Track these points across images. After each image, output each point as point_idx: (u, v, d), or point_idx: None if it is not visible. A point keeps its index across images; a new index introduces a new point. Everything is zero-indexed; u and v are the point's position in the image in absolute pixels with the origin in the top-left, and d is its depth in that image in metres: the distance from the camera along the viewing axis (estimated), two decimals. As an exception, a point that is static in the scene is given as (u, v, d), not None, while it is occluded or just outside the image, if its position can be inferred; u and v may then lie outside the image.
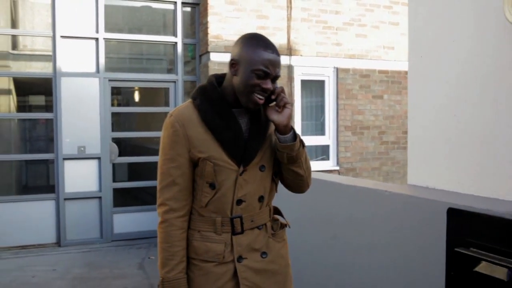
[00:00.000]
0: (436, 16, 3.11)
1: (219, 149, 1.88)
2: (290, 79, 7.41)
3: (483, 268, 2.12)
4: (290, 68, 7.39)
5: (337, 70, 7.73)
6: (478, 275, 2.14)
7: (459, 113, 2.94)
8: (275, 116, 1.86)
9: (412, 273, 2.72)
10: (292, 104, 1.94)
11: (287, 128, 1.87)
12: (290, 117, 1.85)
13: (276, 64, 1.86)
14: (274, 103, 1.89)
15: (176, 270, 1.88)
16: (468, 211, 2.31)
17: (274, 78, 1.88)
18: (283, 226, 2.10)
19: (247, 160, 1.91)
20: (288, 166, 1.94)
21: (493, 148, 2.71)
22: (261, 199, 1.97)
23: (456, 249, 2.28)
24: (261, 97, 1.86)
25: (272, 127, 1.98)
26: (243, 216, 1.92)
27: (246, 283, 1.90)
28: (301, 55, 7.47)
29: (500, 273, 2.05)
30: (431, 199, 2.60)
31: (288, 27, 7.33)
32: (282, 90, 1.89)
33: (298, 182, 2.02)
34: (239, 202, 1.91)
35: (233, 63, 1.89)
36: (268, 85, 1.85)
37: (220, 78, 2.00)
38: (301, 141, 1.92)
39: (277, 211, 2.13)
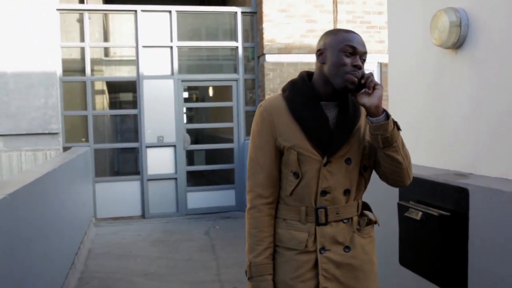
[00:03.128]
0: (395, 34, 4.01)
1: (304, 139, 1.88)
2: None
3: (409, 213, 3.12)
4: (336, 65, 8.35)
5: (381, 65, 8.57)
6: (407, 218, 3.13)
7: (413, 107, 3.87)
8: (365, 99, 1.81)
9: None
10: (381, 86, 1.85)
11: (379, 110, 1.80)
12: (381, 98, 1.81)
13: (361, 42, 1.86)
14: (364, 89, 1.84)
15: (264, 255, 1.90)
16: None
17: (362, 57, 1.86)
18: (371, 222, 2.04)
19: (332, 151, 1.87)
20: (384, 151, 1.85)
21: (425, 134, 3.62)
22: (346, 192, 1.93)
23: (398, 202, 3.28)
24: (354, 75, 1.82)
25: (361, 121, 1.96)
26: (328, 207, 1.89)
27: (325, 274, 1.88)
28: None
29: (417, 215, 3.04)
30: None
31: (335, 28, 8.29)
32: (371, 74, 1.84)
33: (398, 172, 1.92)
34: (324, 193, 1.89)
35: (320, 53, 1.92)
36: (358, 61, 1.83)
37: (311, 74, 2.01)
38: (395, 123, 1.85)
39: (366, 207, 2.07)
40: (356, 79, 1.82)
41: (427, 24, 3.33)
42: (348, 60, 1.83)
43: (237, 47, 8.44)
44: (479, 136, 3.02)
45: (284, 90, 2.00)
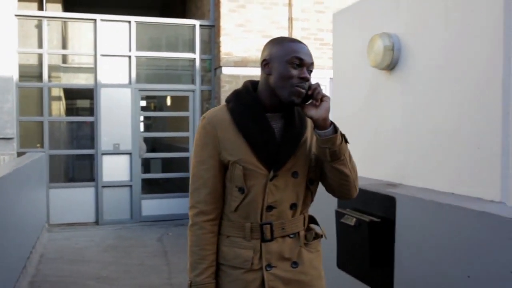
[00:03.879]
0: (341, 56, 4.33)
1: (250, 152, 1.81)
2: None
3: (345, 219, 3.39)
4: (290, 79, 8.69)
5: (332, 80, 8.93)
6: (343, 224, 3.41)
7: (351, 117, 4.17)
8: (313, 112, 1.76)
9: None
10: (329, 98, 1.80)
11: (327, 122, 1.76)
12: (328, 110, 1.77)
13: (308, 53, 1.82)
14: (311, 100, 1.80)
15: (205, 274, 1.83)
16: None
17: (308, 68, 1.81)
18: (317, 236, 2.00)
19: (279, 165, 1.82)
20: (332, 164, 1.81)
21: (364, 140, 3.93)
22: (293, 206, 1.87)
23: (336, 209, 3.55)
24: (301, 87, 1.78)
25: (308, 133, 1.92)
26: (274, 223, 1.84)
27: None
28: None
29: (352, 221, 3.32)
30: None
31: (289, 44, 8.63)
32: (318, 85, 1.80)
33: (345, 184, 1.88)
34: (270, 208, 1.83)
35: (265, 64, 1.85)
36: (305, 74, 1.78)
37: (256, 84, 1.95)
38: (343, 135, 1.81)
39: (313, 220, 2.03)
40: (303, 92, 1.78)
41: (365, 47, 3.64)
42: (295, 72, 1.78)
43: (194, 58, 8.66)
44: (408, 150, 3.33)
45: (228, 101, 1.92)
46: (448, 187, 2.93)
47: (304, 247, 1.91)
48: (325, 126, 1.77)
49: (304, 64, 1.80)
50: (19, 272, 5.01)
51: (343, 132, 1.86)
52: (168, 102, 10.67)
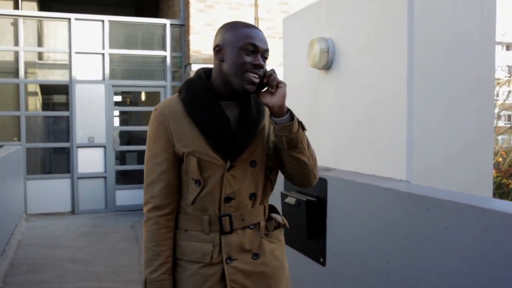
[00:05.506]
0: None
1: (204, 143, 1.75)
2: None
3: (287, 199, 3.90)
4: (257, 75, 9.19)
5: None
6: (286, 204, 3.91)
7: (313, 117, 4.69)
8: (268, 99, 1.71)
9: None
10: (285, 84, 1.74)
11: (283, 110, 1.71)
12: (284, 96, 1.71)
13: (263, 38, 1.76)
14: (267, 87, 1.75)
15: (160, 271, 1.77)
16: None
17: (263, 55, 1.75)
18: (279, 226, 1.96)
19: (235, 155, 1.76)
20: (289, 152, 1.76)
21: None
22: (252, 196, 1.83)
23: (281, 191, 4.06)
24: (255, 75, 1.72)
25: (265, 120, 1.87)
26: (233, 214, 1.79)
27: (234, 285, 1.77)
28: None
29: (292, 201, 3.83)
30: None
31: (255, 43, 9.13)
32: (273, 71, 1.74)
33: (304, 173, 1.84)
34: (228, 199, 1.78)
35: (218, 50, 1.77)
36: (259, 60, 1.72)
37: (209, 71, 1.87)
38: (300, 123, 1.76)
39: (273, 209, 1.99)
40: (256, 80, 1.72)
41: (305, 49, 4.16)
42: (248, 59, 1.71)
43: (165, 56, 9.10)
44: (339, 139, 3.85)
45: (180, 91, 1.84)
46: (370, 170, 3.47)
47: (265, 238, 1.86)
48: (281, 113, 1.71)
49: (258, 50, 1.73)
50: (-1, 255, 5.43)
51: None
52: (143, 97, 11.08)
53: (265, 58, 1.77)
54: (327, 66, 3.96)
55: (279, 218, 2.00)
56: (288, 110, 1.75)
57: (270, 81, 1.73)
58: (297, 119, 1.76)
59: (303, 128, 1.80)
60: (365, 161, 3.54)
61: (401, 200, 2.74)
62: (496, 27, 3.36)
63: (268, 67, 1.79)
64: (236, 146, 1.77)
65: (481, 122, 3.36)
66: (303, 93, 4.42)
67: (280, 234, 1.97)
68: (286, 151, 1.78)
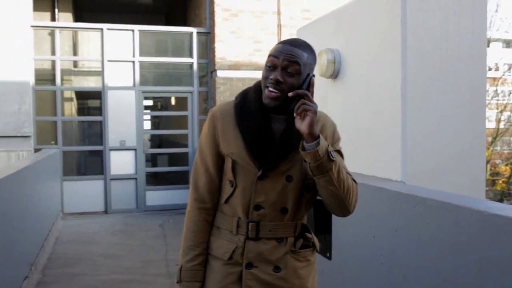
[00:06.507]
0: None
1: (243, 148, 1.80)
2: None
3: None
4: (280, 80, 9.52)
5: (320, 81, 9.75)
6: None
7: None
8: (298, 123, 1.67)
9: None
10: (314, 111, 1.66)
11: (310, 137, 1.65)
12: (311, 125, 1.64)
13: (284, 52, 1.72)
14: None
15: (196, 261, 1.86)
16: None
17: (285, 69, 1.71)
18: (308, 246, 1.90)
19: (270, 165, 1.78)
20: (317, 180, 1.72)
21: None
22: (284, 210, 1.81)
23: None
24: (272, 89, 1.72)
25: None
26: (261, 222, 1.81)
27: None
28: (289, 70, 9.55)
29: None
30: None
31: (278, 49, 9.46)
32: (305, 94, 1.67)
33: (334, 202, 1.78)
34: (258, 207, 1.81)
35: None
36: (275, 75, 1.70)
37: None
38: (329, 152, 1.68)
39: (307, 229, 1.92)
40: (274, 95, 1.73)
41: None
42: (267, 74, 1.75)
43: (192, 63, 9.53)
44: (344, 143, 4.15)
45: (236, 97, 1.92)
46: (371, 171, 3.77)
47: (290, 254, 1.84)
48: (309, 140, 1.66)
49: (277, 65, 1.73)
50: (38, 250, 5.90)
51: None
52: (173, 102, 11.56)
53: (289, 73, 1.72)
54: (334, 75, 4.27)
55: (311, 238, 1.93)
56: (317, 137, 1.67)
57: (296, 108, 1.67)
58: (327, 148, 1.68)
59: (331, 158, 1.68)
60: (366, 164, 3.84)
61: (392, 198, 3.04)
62: (486, 39, 3.63)
63: None
64: (273, 158, 1.79)
65: (473, 128, 3.63)
66: (315, 99, 4.74)
67: (309, 254, 1.91)
68: (315, 178, 1.73)
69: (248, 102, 1.86)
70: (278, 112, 1.81)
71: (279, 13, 9.43)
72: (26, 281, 4.85)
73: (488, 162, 10.38)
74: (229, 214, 1.87)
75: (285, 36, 9.46)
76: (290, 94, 1.68)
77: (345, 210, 1.81)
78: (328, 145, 1.70)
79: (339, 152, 1.91)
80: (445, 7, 3.47)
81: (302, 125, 1.66)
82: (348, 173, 1.81)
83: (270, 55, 1.76)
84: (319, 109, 1.79)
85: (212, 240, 1.90)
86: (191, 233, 1.89)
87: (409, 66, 3.39)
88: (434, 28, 3.46)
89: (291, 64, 1.72)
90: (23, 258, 4.95)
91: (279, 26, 9.45)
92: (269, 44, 9.36)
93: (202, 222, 1.89)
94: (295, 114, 1.68)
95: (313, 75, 1.78)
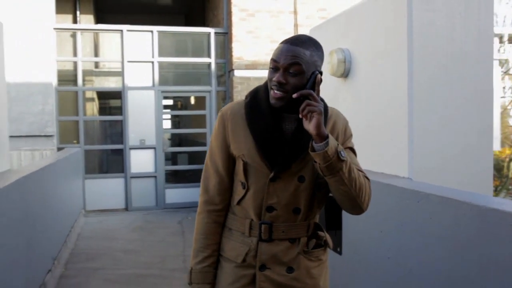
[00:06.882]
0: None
1: (255, 149, 1.78)
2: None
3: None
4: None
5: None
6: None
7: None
8: (305, 124, 1.64)
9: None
10: (320, 111, 1.60)
11: (318, 137, 1.62)
12: (318, 126, 1.61)
13: (288, 54, 1.68)
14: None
15: (206, 262, 1.87)
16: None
17: (288, 70, 1.68)
18: (319, 245, 1.89)
19: (281, 167, 1.76)
20: (328, 180, 1.69)
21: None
22: (296, 211, 1.81)
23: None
24: (276, 91, 1.70)
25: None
26: (274, 224, 1.80)
27: None
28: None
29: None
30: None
31: (295, 48, 9.55)
32: (309, 94, 1.63)
33: (346, 201, 1.76)
34: (270, 209, 1.79)
35: None
36: (277, 77, 1.68)
37: None
38: (339, 152, 1.64)
39: (319, 228, 1.92)
40: (276, 95, 1.71)
41: (326, 59, 4.57)
42: (271, 76, 1.73)
43: (210, 63, 9.69)
44: (356, 137, 4.24)
45: (246, 96, 1.89)
46: (379, 168, 3.86)
47: (303, 254, 1.83)
48: (317, 141, 1.63)
49: (278, 66, 1.70)
50: (61, 245, 6.11)
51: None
52: (192, 101, 11.74)
53: (291, 74, 1.69)
54: (345, 74, 4.36)
55: (324, 237, 1.92)
56: (326, 137, 1.64)
57: (301, 110, 1.63)
58: (336, 148, 1.65)
59: (340, 158, 1.65)
60: (375, 161, 3.93)
61: (397, 194, 3.13)
62: (493, 37, 3.68)
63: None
64: (284, 159, 1.76)
65: (480, 125, 3.69)
66: (327, 99, 4.84)
67: (321, 253, 1.90)
68: (325, 178, 1.70)
69: (259, 101, 1.82)
70: (289, 111, 1.77)
71: (295, 12, 9.52)
72: (50, 274, 5.05)
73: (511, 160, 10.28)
74: (241, 216, 1.86)
75: (301, 36, 9.54)
76: (294, 95, 1.64)
77: (358, 208, 1.79)
78: (337, 145, 1.66)
79: (351, 149, 1.89)
80: (451, 7, 3.54)
81: (309, 127, 1.63)
82: (360, 170, 1.79)
83: (271, 58, 1.73)
84: (330, 106, 1.83)
85: (224, 241, 1.89)
86: (200, 235, 1.89)
87: (415, 65, 3.48)
88: (441, 29, 3.53)
89: (292, 65, 1.68)
90: (46, 252, 5.15)
91: (296, 25, 9.54)
92: (286, 43, 9.45)
93: (212, 224, 1.89)
94: (300, 116, 1.64)
95: (320, 72, 1.72)
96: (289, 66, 1.68)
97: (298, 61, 1.68)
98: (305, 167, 1.78)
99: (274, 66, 1.72)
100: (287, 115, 1.79)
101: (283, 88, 1.69)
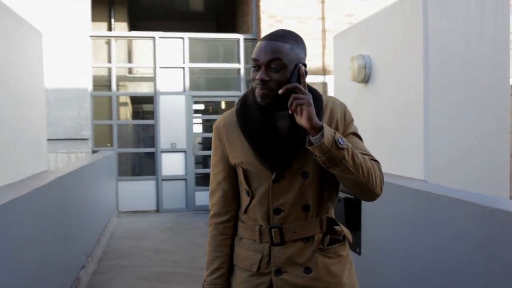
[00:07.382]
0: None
1: (252, 154, 1.75)
2: (325, 93, 9.74)
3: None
4: (324, 84, 9.74)
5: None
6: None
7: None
8: (297, 119, 1.59)
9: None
10: (308, 103, 1.53)
11: (313, 130, 1.56)
12: (310, 118, 1.55)
13: (265, 50, 1.65)
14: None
15: (215, 274, 1.86)
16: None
17: (270, 66, 1.65)
18: (336, 241, 1.81)
19: (282, 166, 1.72)
20: (333, 171, 1.63)
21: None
22: (306, 208, 1.75)
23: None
24: (260, 89, 1.66)
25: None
26: (284, 226, 1.75)
27: None
28: (333, 75, 9.75)
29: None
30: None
31: (323, 53, 9.68)
32: (295, 87, 1.58)
33: (358, 189, 1.70)
34: (277, 211, 1.75)
35: None
36: (259, 75, 1.65)
37: None
38: (336, 141, 1.57)
39: (333, 222, 1.82)
40: (263, 93, 1.67)
41: (347, 64, 4.71)
42: (254, 74, 1.69)
43: (239, 68, 9.90)
44: (373, 144, 4.37)
45: (237, 104, 1.86)
46: (397, 171, 3.97)
47: (319, 252, 1.75)
48: (313, 134, 1.57)
49: (259, 64, 1.67)
50: (94, 244, 6.39)
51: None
52: (223, 106, 11.97)
53: (273, 69, 1.66)
54: (365, 80, 4.49)
55: (340, 232, 1.85)
56: (321, 129, 1.58)
57: (289, 105, 1.59)
58: (333, 137, 1.58)
59: (340, 147, 1.57)
60: (394, 163, 4.04)
61: (411, 195, 3.24)
62: (509, 42, 3.76)
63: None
64: (284, 158, 1.72)
65: (495, 127, 3.76)
66: (348, 104, 4.97)
67: (340, 249, 1.81)
68: (328, 169, 1.63)
69: (248, 106, 1.80)
70: (280, 109, 1.72)
71: (323, 18, 9.65)
72: (83, 270, 5.31)
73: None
74: (250, 224, 1.82)
75: (329, 41, 9.67)
76: (279, 91, 1.60)
77: (371, 193, 1.73)
78: (334, 133, 1.59)
79: (355, 134, 1.83)
80: (467, 13, 3.64)
81: (301, 121, 1.57)
82: (366, 154, 1.73)
83: (252, 57, 1.70)
84: (351, 111, 1.81)
85: (237, 251, 1.87)
86: (209, 248, 1.91)
87: (431, 70, 3.59)
88: (456, 34, 3.63)
89: (273, 61, 1.65)
90: (80, 249, 5.42)
91: (324, 31, 9.67)
92: (314, 49, 9.60)
93: (219, 236, 1.89)
94: (290, 111, 1.60)
95: (303, 64, 1.69)
96: (270, 62, 1.65)
97: (279, 56, 1.64)
98: (307, 162, 1.73)
99: (256, 65, 1.69)
100: (279, 113, 1.75)
101: (266, 85, 1.66)
